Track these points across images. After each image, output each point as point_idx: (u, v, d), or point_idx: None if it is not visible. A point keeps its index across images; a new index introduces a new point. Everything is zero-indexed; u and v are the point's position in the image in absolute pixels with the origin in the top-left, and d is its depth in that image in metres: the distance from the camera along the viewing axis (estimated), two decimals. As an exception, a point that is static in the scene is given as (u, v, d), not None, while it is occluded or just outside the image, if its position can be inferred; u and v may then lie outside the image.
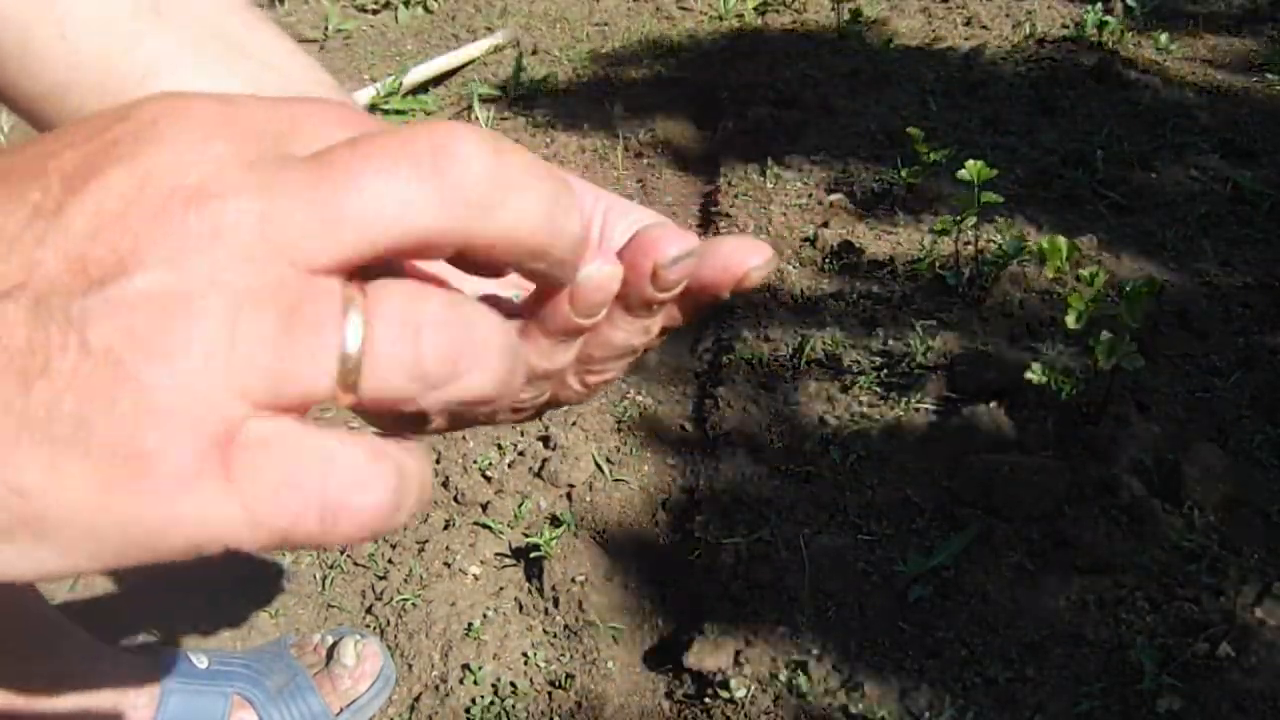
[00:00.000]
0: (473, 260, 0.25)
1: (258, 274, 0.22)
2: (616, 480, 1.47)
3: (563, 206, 0.26)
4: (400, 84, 2.55)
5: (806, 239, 1.88)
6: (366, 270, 0.24)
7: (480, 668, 1.21)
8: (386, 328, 0.23)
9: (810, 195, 2.02)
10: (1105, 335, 1.30)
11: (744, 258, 0.32)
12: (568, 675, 1.21)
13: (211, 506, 0.22)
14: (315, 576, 1.40)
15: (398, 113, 2.58)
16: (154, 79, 0.48)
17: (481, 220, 0.24)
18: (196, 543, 0.23)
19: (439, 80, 2.74)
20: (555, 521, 1.39)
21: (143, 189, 0.23)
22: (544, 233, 0.25)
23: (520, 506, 1.41)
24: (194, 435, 0.22)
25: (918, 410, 1.46)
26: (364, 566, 1.39)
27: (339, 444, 0.23)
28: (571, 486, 1.45)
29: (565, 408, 1.50)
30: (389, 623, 1.29)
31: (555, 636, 1.26)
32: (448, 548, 1.36)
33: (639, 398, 1.61)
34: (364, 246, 0.23)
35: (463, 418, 0.34)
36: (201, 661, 1.10)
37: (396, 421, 0.31)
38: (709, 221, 2.05)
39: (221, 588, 1.40)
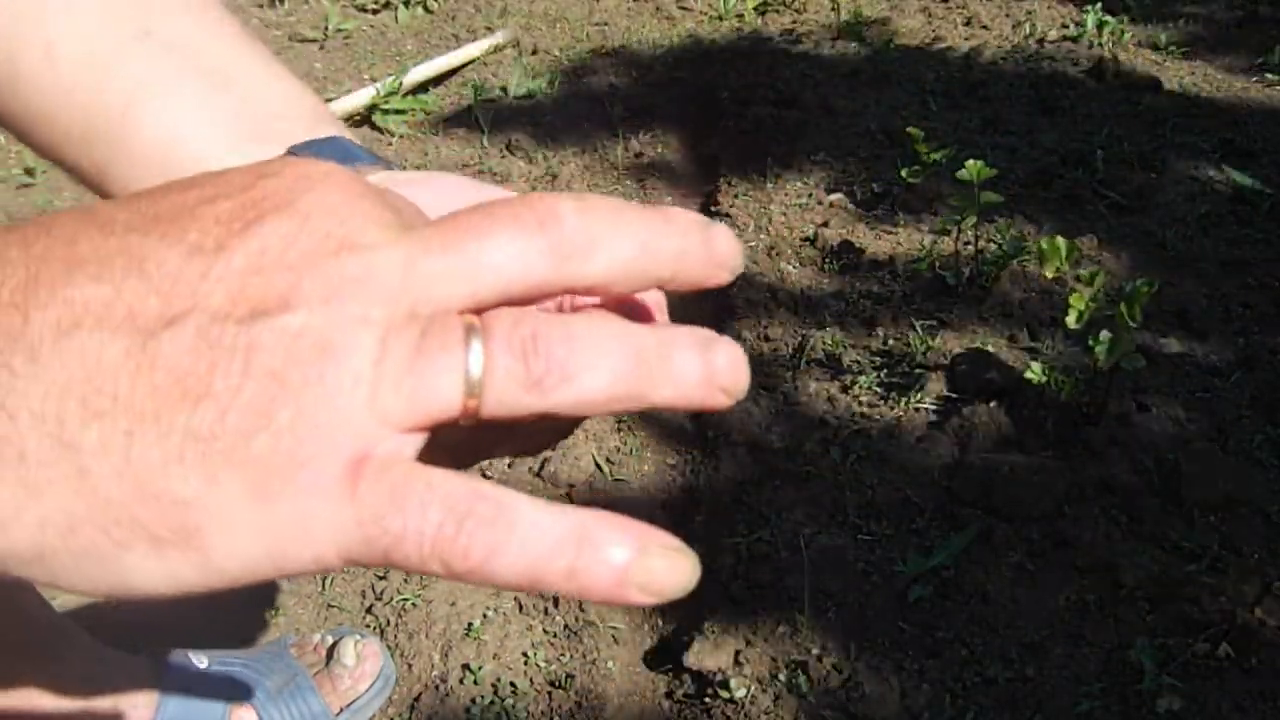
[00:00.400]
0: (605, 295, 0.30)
1: (399, 312, 0.26)
2: (616, 480, 1.47)
3: (653, 231, 0.29)
4: (400, 84, 2.55)
5: (806, 239, 1.88)
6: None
7: (480, 668, 1.21)
8: (500, 348, 0.26)
9: (810, 195, 2.02)
10: (1105, 335, 1.30)
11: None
12: (568, 675, 1.21)
13: (338, 518, 0.25)
14: (315, 576, 1.40)
15: (398, 112, 2.58)
16: (135, 109, 0.47)
17: (582, 262, 0.28)
18: (320, 554, 0.25)
19: (439, 80, 2.74)
20: (555, 521, 1.39)
21: (300, 234, 0.26)
22: (641, 261, 0.29)
23: (520, 506, 1.41)
24: (338, 451, 0.25)
25: (918, 410, 1.46)
26: (364, 566, 1.39)
27: (443, 477, 0.26)
28: (571, 486, 1.45)
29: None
30: (389, 623, 1.29)
31: (555, 636, 1.26)
32: (448, 548, 1.36)
33: (639, 398, 1.61)
34: (489, 293, 0.27)
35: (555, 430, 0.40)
36: (201, 661, 1.10)
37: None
38: (709, 221, 2.05)
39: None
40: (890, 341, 1.59)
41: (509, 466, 1.48)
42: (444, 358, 0.26)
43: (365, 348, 0.25)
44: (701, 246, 0.30)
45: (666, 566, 0.28)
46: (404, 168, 0.49)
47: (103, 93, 0.48)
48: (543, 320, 0.27)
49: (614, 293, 0.29)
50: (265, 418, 0.25)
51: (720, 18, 2.95)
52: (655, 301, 0.35)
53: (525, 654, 1.23)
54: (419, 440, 0.27)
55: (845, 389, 1.52)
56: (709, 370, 0.28)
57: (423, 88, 2.70)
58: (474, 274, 0.27)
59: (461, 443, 0.38)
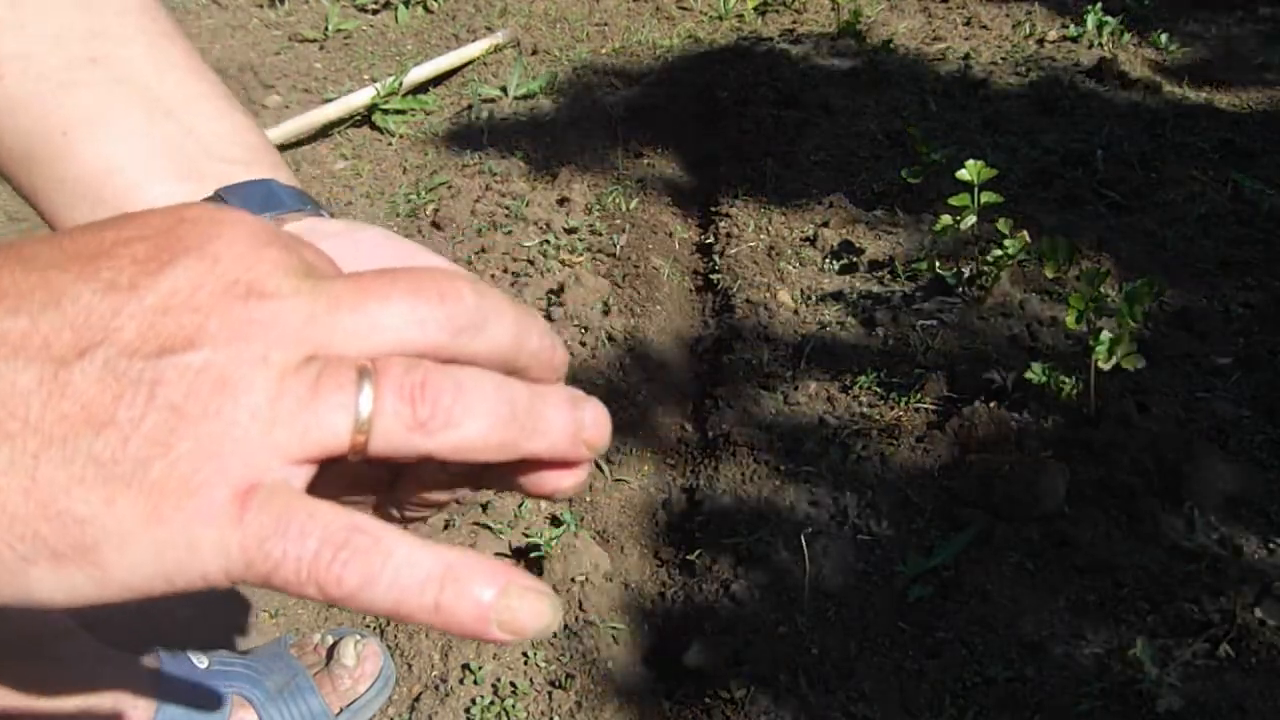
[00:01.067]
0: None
1: (296, 356, 0.29)
2: (616, 480, 1.46)
3: (524, 327, 0.33)
4: (400, 84, 2.55)
5: (806, 239, 1.88)
6: None
7: (480, 668, 1.21)
8: (389, 394, 0.29)
9: (810, 195, 2.02)
10: (1105, 335, 1.30)
11: (556, 484, 0.35)
12: (568, 675, 1.21)
13: (222, 539, 0.27)
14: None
15: (398, 112, 2.58)
16: (75, 136, 0.48)
17: (471, 338, 0.31)
18: (206, 571, 0.27)
19: (439, 80, 2.74)
20: (555, 521, 1.39)
21: (209, 277, 0.29)
22: (512, 344, 0.33)
23: (520, 506, 1.41)
24: (230, 479, 0.27)
25: (918, 410, 1.46)
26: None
27: (326, 508, 0.28)
28: (571, 486, 1.45)
29: None
30: (389, 623, 1.29)
31: (555, 636, 1.26)
32: (448, 548, 1.36)
33: (639, 398, 1.61)
34: (387, 348, 0.30)
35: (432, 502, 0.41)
36: (201, 661, 1.10)
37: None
38: (709, 221, 2.05)
39: (221, 588, 1.40)
40: (890, 342, 1.59)
41: (509, 466, 1.48)
42: (336, 396, 0.28)
43: (262, 386, 0.28)
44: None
45: (526, 607, 0.29)
46: (332, 214, 0.50)
47: (45, 116, 0.48)
48: (433, 369, 0.30)
49: (499, 369, 0.32)
50: (164, 446, 0.27)
51: (720, 18, 2.95)
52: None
53: (525, 654, 1.23)
54: (308, 472, 0.29)
55: (845, 389, 1.52)
56: (576, 426, 0.32)
57: (423, 88, 2.70)
58: (371, 333, 0.30)
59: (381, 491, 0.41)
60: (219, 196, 0.46)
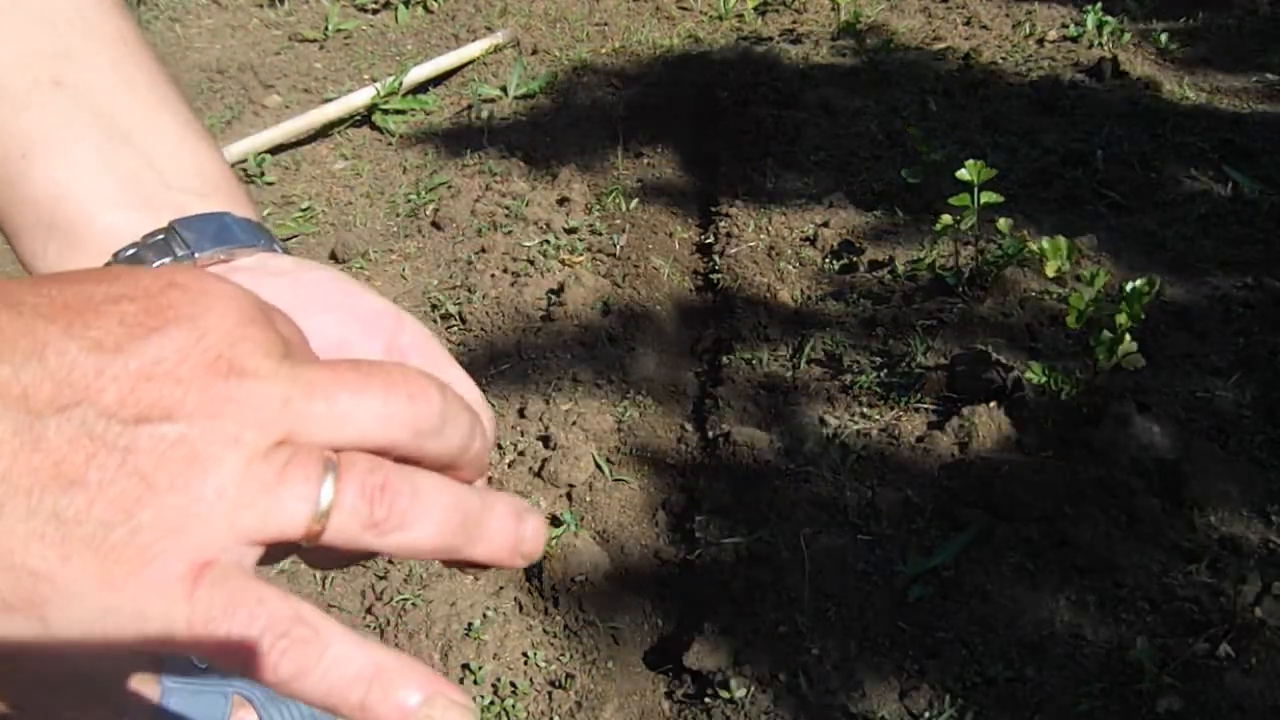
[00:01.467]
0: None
1: (268, 440, 0.29)
2: (616, 480, 1.46)
3: (474, 433, 0.35)
4: (400, 84, 2.55)
5: (806, 239, 1.88)
6: None
7: (480, 668, 1.21)
8: (351, 491, 0.30)
9: (810, 195, 2.02)
10: (1105, 335, 1.30)
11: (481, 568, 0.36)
12: (568, 675, 1.21)
13: (170, 612, 0.28)
14: (315, 576, 1.40)
15: (398, 112, 2.58)
16: (33, 157, 0.47)
17: (428, 440, 0.32)
18: (149, 638, 0.28)
19: (439, 80, 2.74)
20: (555, 521, 1.39)
21: (194, 349, 0.29)
22: (460, 449, 0.34)
23: (520, 506, 1.41)
24: (187, 553, 0.28)
25: (918, 410, 1.46)
26: (364, 566, 1.39)
27: (274, 595, 0.29)
28: (571, 486, 1.45)
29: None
30: (389, 623, 1.29)
31: (555, 636, 1.26)
32: (448, 548, 1.36)
33: (639, 398, 1.61)
34: (349, 443, 0.31)
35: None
36: (201, 661, 1.10)
37: (326, 558, 0.40)
38: (709, 221, 2.05)
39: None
40: (890, 341, 1.59)
41: (509, 466, 1.48)
42: (301, 487, 0.29)
43: (231, 466, 0.29)
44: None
45: (450, 718, 0.29)
46: (288, 251, 0.50)
47: (7, 137, 0.48)
48: (394, 471, 0.31)
49: (439, 466, 0.34)
50: (127, 513, 0.27)
51: (720, 18, 2.95)
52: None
53: (525, 654, 1.23)
54: (258, 553, 0.30)
55: (845, 389, 1.52)
56: (517, 539, 0.34)
57: (423, 88, 2.70)
58: (341, 424, 0.31)
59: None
60: (172, 228, 0.46)
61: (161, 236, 0.46)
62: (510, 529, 0.34)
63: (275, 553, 0.32)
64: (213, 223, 0.47)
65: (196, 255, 0.45)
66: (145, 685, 1.04)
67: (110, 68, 0.51)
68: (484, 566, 0.35)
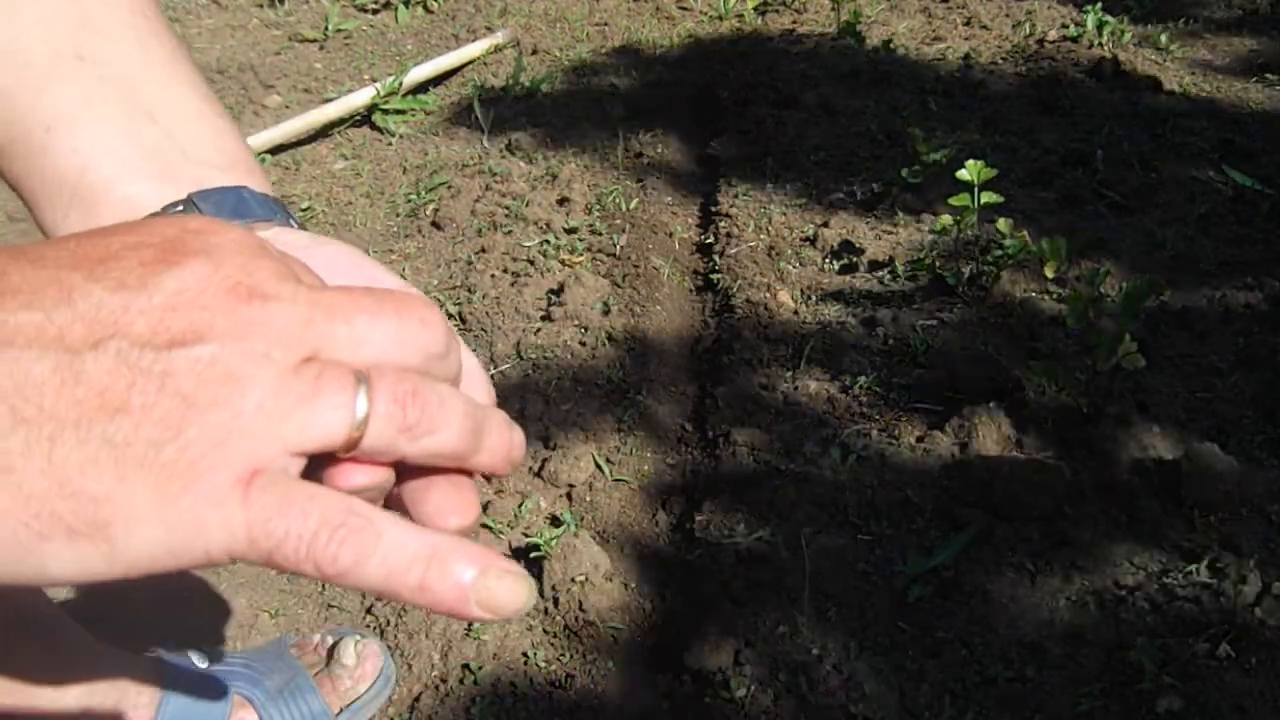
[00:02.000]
0: None
1: (296, 357, 0.31)
2: (616, 480, 1.46)
3: (464, 361, 0.39)
4: (400, 84, 2.55)
5: (806, 239, 1.88)
6: None
7: (480, 668, 1.21)
8: (384, 399, 0.32)
9: (810, 195, 2.02)
10: (1105, 335, 1.30)
11: (444, 521, 0.38)
12: (568, 675, 1.21)
13: (229, 518, 0.29)
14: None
15: (398, 112, 2.58)
16: (58, 131, 0.48)
17: (438, 364, 0.35)
18: (211, 547, 0.29)
19: (439, 80, 2.74)
20: (555, 521, 1.39)
21: (213, 278, 0.31)
22: (457, 375, 0.38)
23: (520, 506, 1.41)
24: (236, 463, 0.30)
25: (918, 410, 1.46)
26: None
27: (324, 493, 0.30)
28: (571, 486, 1.45)
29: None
30: (389, 623, 1.29)
31: (555, 636, 1.26)
32: (448, 548, 1.36)
33: (639, 398, 1.61)
34: (370, 362, 0.33)
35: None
36: (202, 661, 1.10)
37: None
38: (709, 221, 2.05)
39: (221, 588, 1.41)
40: (890, 342, 1.59)
41: (509, 466, 1.48)
42: (337, 396, 0.31)
43: (266, 381, 0.30)
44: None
45: (504, 587, 0.31)
46: (303, 226, 0.52)
47: (31, 109, 0.49)
48: (419, 380, 0.33)
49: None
50: (174, 431, 0.29)
51: (720, 18, 2.95)
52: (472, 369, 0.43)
53: (525, 654, 1.23)
54: (301, 463, 0.31)
55: (845, 389, 1.52)
56: (511, 445, 0.37)
57: (423, 88, 2.70)
58: (360, 345, 0.33)
59: None
60: (191, 200, 0.48)
61: (180, 208, 0.48)
62: (505, 437, 0.36)
63: (315, 469, 0.34)
64: (230, 196, 0.49)
65: None
66: (146, 686, 1.04)
67: (132, 42, 0.52)
68: (471, 475, 0.38)
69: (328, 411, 0.31)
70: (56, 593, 1.30)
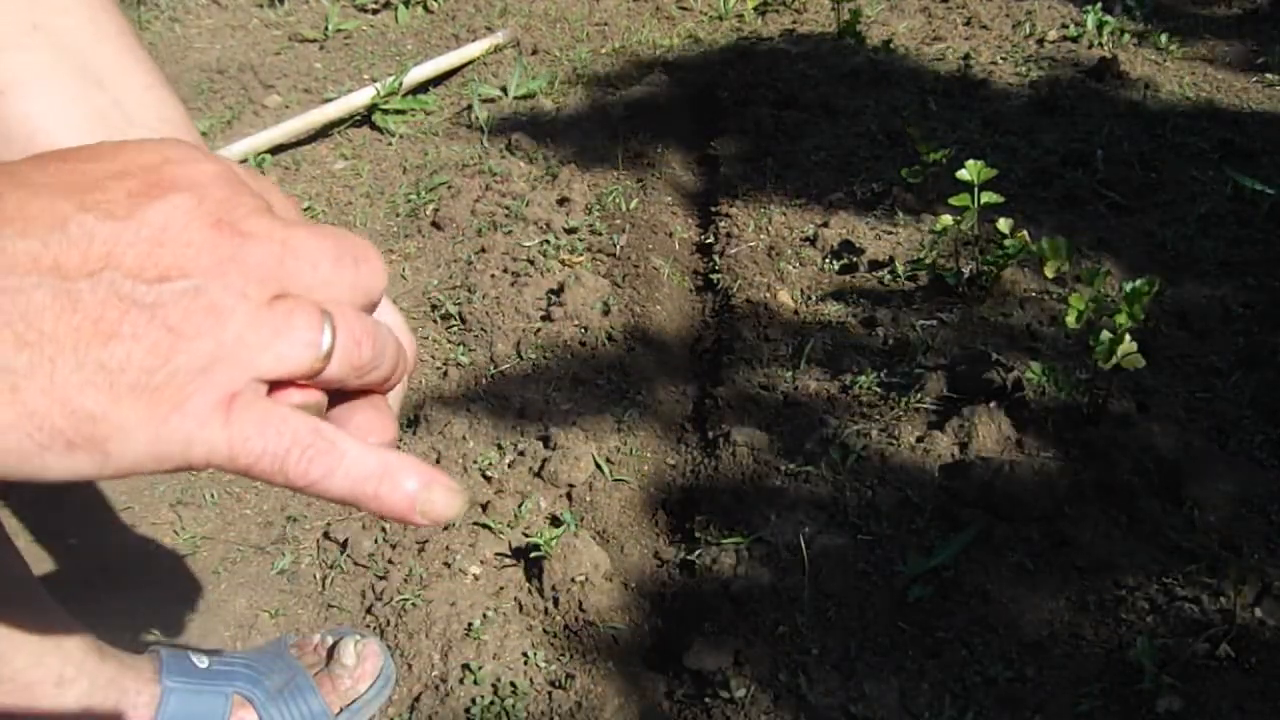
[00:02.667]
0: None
1: (268, 293, 0.35)
2: (616, 480, 1.46)
3: (399, 317, 0.46)
4: (400, 84, 2.55)
5: (806, 239, 1.88)
6: None
7: (480, 668, 1.21)
8: (345, 335, 0.36)
9: (810, 195, 2.02)
10: (1105, 335, 1.30)
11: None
12: (568, 675, 1.21)
13: (212, 436, 0.33)
14: (315, 576, 1.40)
15: (398, 112, 2.58)
16: (10, 96, 0.52)
17: (371, 303, 0.39)
18: (192, 460, 0.34)
19: (439, 80, 2.74)
20: (555, 521, 1.39)
21: (196, 212, 0.34)
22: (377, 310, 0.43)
23: (520, 506, 1.41)
24: (218, 388, 0.33)
25: (918, 410, 1.46)
26: (364, 566, 1.39)
27: (295, 414, 0.35)
28: (571, 486, 1.45)
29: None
30: (389, 623, 1.29)
31: (555, 636, 1.26)
32: (448, 548, 1.36)
33: (639, 398, 1.61)
34: (328, 301, 0.37)
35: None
36: (202, 661, 1.09)
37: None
38: (709, 221, 2.05)
39: (221, 588, 1.41)
40: (890, 342, 1.59)
41: (509, 466, 1.48)
42: (306, 334, 0.35)
43: (243, 314, 0.34)
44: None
45: (444, 500, 0.37)
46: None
47: None
48: (373, 324, 0.38)
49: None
50: (163, 359, 0.32)
51: (720, 18, 2.95)
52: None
53: (525, 654, 1.23)
54: (265, 387, 0.35)
55: (845, 389, 1.52)
56: (404, 363, 0.41)
57: (423, 88, 2.70)
58: (324, 287, 0.37)
59: None
60: None
61: None
62: (402, 360, 0.41)
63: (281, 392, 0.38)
64: None
65: None
66: (146, 686, 1.04)
67: (84, 15, 0.55)
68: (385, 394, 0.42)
69: (299, 346, 0.35)
70: (60, 591, 1.30)
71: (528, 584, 1.33)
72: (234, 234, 0.34)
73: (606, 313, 1.78)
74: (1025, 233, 1.62)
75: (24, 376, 0.31)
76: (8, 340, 0.30)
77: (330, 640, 1.20)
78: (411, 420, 1.62)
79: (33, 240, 0.31)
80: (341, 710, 1.14)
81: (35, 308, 0.31)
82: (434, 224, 2.14)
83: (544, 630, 1.27)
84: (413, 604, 1.29)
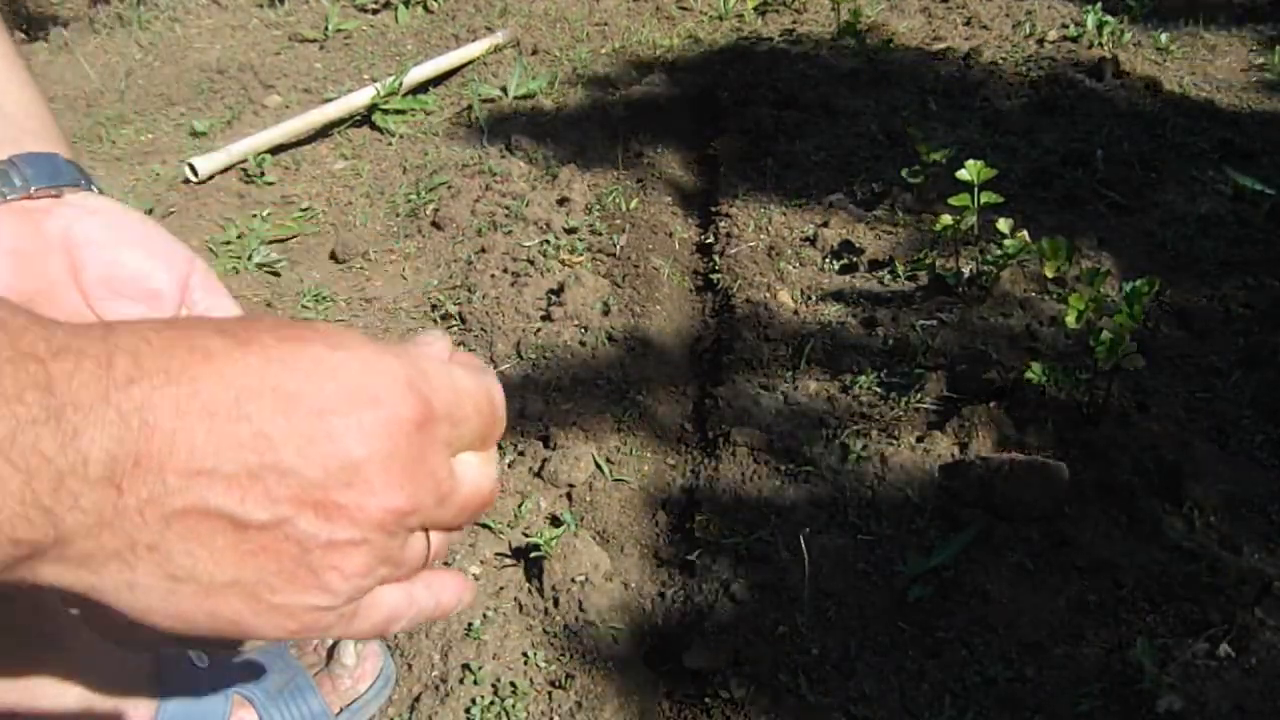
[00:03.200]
0: None
1: (374, 580, 0.43)
2: (616, 480, 1.46)
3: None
4: (400, 84, 2.55)
5: (806, 239, 1.88)
6: None
7: (480, 668, 1.21)
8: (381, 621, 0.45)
9: (810, 195, 2.02)
10: (1105, 335, 1.30)
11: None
12: (568, 675, 1.21)
13: (335, 631, 0.43)
14: (315, 576, 1.40)
15: (398, 112, 2.58)
16: None
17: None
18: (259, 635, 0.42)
19: (439, 80, 2.74)
20: (555, 521, 1.39)
21: (386, 514, 0.40)
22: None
23: (520, 506, 1.41)
24: (338, 608, 0.42)
25: (918, 410, 1.46)
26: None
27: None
28: (571, 486, 1.45)
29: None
30: (389, 623, 1.29)
31: (555, 636, 1.26)
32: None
33: (639, 398, 1.61)
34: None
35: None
36: (202, 661, 1.09)
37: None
38: (709, 221, 2.05)
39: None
40: (890, 342, 1.59)
41: (509, 466, 1.48)
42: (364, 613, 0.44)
43: (364, 560, 0.41)
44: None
45: (470, 598, 0.51)
46: (102, 191, 0.60)
47: None
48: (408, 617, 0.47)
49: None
50: (290, 575, 0.40)
51: (720, 18, 2.95)
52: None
53: (525, 654, 1.23)
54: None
55: (845, 389, 1.52)
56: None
57: (423, 88, 2.70)
58: (410, 566, 0.44)
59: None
60: (12, 161, 0.54)
61: (2, 168, 0.54)
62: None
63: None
64: (47, 162, 0.56)
65: (32, 188, 0.54)
66: (146, 686, 1.04)
67: None
68: None
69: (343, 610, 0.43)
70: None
71: (528, 584, 1.33)
72: (401, 528, 0.42)
73: (606, 313, 1.78)
74: (1025, 233, 1.62)
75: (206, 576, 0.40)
76: (181, 554, 0.39)
77: (330, 640, 1.20)
78: (411, 420, 1.62)
79: (234, 491, 0.38)
80: (341, 710, 1.14)
81: (207, 536, 0.39)
82: (434, 224, 2.14)
83: (544, 630, 1.27)
84: (413, 604, 1.29)
